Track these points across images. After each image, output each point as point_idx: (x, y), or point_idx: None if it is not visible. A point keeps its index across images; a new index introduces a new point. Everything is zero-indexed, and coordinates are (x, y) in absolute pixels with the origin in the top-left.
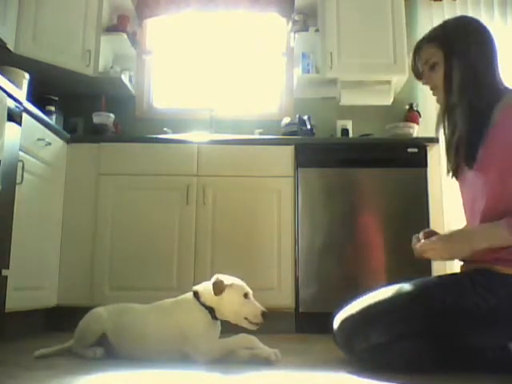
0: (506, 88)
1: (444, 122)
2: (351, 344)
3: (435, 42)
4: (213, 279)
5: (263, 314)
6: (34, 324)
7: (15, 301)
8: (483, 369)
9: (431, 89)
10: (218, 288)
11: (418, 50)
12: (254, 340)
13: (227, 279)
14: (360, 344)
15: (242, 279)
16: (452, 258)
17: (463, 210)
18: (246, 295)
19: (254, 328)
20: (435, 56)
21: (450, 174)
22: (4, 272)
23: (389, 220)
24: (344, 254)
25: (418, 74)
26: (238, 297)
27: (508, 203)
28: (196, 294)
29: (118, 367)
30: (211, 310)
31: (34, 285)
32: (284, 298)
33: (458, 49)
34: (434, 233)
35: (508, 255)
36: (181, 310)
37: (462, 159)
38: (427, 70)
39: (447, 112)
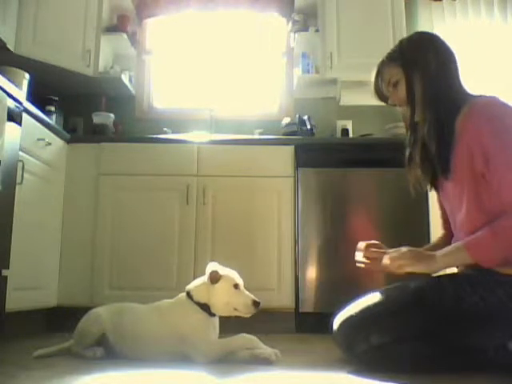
0: (467, 95)
1: (412, 138)
2: (351, 345)
3: (394, 61)
4: (208, 269)
5: (254, 304)
6: (33, 324)
7: (15, 301)
8: (483, 369)
9: (399, 106)
10: (214, 277)
11: (379, 72)
12: (254, 340)
13: (221, 269)
14: (360, 345)
15: (243, 279)
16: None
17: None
18: (236, 286)
19: (247, 316)
20: (396, 74)
21: (428, 187)
22: (4, 272)
23: (389, 220)
24: (344, 253)
25: (381, 97)
26: (228, 288)
27: (483, 214)
28: (189, 294)
29: (117, 367)
30: (206, 307)
31: (34, 285)
32: (284, 298)
33: (415, 64)
34: (377, 245)
35: (509, 258)
36: (176, 310)
37: (438, 172)
38: (391, 90)
39: (413, 128)
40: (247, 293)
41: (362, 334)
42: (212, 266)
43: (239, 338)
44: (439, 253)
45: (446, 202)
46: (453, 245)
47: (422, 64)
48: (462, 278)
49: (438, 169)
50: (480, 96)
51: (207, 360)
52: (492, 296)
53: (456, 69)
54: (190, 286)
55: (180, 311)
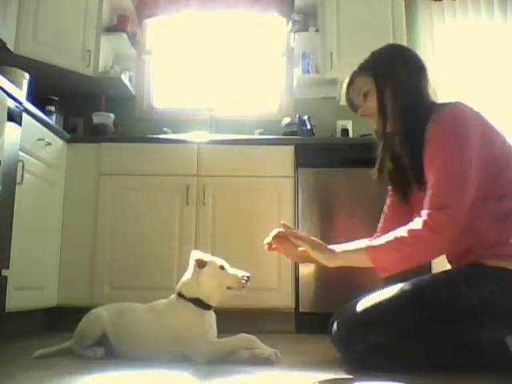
0: (435, 104)
1: (382, 149)
2: (349, 345)
3: (366, 71)
4: (191, 258)
5: (244, 277)
6: (34, 324)
7: (15, 301)
8: (483, 369)
9: (369, 117)
10: (201, 263)
11: (351, 82)
12: (254, 340)
13: (204, 256)
14: (358, 345)
15: None
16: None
17: None
18: (222, 267)
19: (241, 291)
20: (367, 84)
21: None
22: (4, 272)
23: None
24: None
25: (353, 106)
26: (215, 271)
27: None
28: (180, 293)
29: (117, 367)
30: (199, 302)
31: (34, 285)
32: (284, 298)
33: (386, 75)
34: (284, 234)
35: (497, 250)
36: (171, 310)
37: (412, 183)
38: (362, 100)
39: (384, 139)
40: (235, 269)
41: (360, 334)
42: (195, 255)
43: (239, 337)
44: (341, 248)
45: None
46: (357, 244)
47: (392, 76)
48: (457, 275)
49: (411, 180)
50: (446, 104)
51: (206, 360)
52: (485, 290)
53: (426, 81)
54: (179, 285)
55: (174, 310)
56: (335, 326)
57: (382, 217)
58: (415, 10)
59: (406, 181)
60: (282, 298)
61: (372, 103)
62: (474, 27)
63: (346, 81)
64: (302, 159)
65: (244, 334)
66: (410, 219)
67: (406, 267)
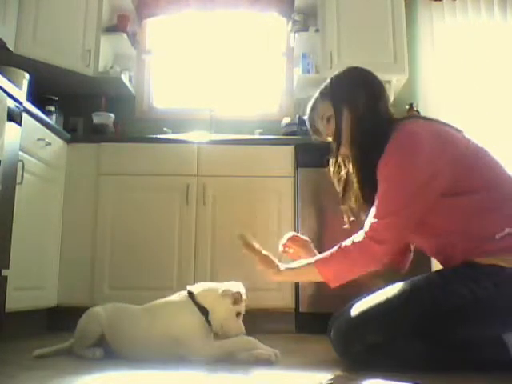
0: (393, 124)
1: (338, 173)
2: (348, 346)
3: (325, 97)
4: (230, 284)
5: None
6: (34, 324)
7: (15, 301)
8: (483, 369)
9: (333, 141)
10: (238, 299)
11: (313, 108)
12: (253, 342)
13: (242, 291)
14: (356, 346)
15: (243, 279)
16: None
17: None
18: (238, 314)
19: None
20: (329, 110)
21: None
22: (4, 272)
23: None
24: None
25: (316, 132)
26: (232, 312)
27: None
28: (191, 295)
29: (117, 367)
30: (205, 312)
31: (34, 285)
32: (284, 298)
33: (343, 101)
34: (299, 239)
35: (485, 246)
36: (172, 311)
37: (364, 204)
38: (325, 125)
39: (338, 164)
40: (241, 324)
41: (358, 335)
42: (235, 285)
43: (239, 339)
44: (290, 265)
45: None
46: (304, 260)
47: (350, 100)
48: (450, 274)
49: (362, 201)
50: (400, 122)
51: (205, 361)
52: (479, 288)
53: (385, 102)
54: (195, 288)
55: (175, 310)
56: (333, 327)
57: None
58: (415, 10)
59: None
60: (281, 298)
61: (333, 128)
62: (474, 27)
63: (309, 106)
64: (302, 159)
65: (244, 336)
66: None
67: (353, 276)
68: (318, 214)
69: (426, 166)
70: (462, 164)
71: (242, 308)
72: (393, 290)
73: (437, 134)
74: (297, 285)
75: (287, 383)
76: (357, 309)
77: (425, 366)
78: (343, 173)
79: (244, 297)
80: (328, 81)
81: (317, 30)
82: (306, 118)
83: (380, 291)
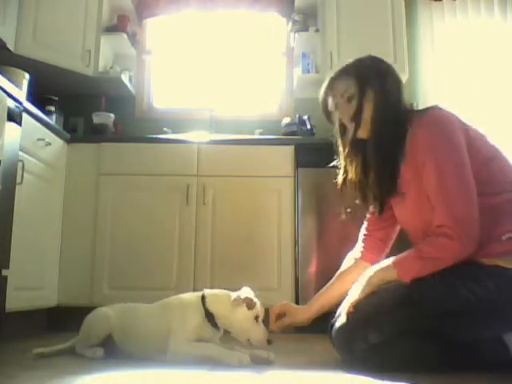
0: (412, 113)
1: (350, 157)
2: (350, 345)
3: (350, 75)
4: (242, 292)
5: (268, 341)
6: (34, 324)
7: (15, 301)
8: (483, 369)
9: (348, 121)
10: (251, 304)
11: (332, 83)
12: (226, 356)
13: (254, 296)
14: (359, 345)
15: (242, 279)
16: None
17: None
18: (257, 318)
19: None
20: (351, 88)
21: (372, 209)
22: (4, 272)
23: None
24: (344, 254)
25: (327, 110)
26: (250, 317)
27: (426, 227)
28: (203, 298)
29: (118, 367)
30: (211, 317)
31: (34, 285)
32: (284, 298)
33: (372, 81)
34: (286, 307)
35: (490, 248)
36: (179, 308)
37: (383, 192)
38: (343, 103)
39: (354, 146)
40: (263, 326)
41: (360, 334)
42: (247, 291)
43: (212, 348)
44: (369, 273)
45: (399, 214)
46: (381, 266)
47: (378, 83)
48: (453, 274)
49: (382, 189)
50: (423, 111)
51: (171, 357)
52: (481, 289)
53: (403, 94)
54: (210, 296)
55: (182, 308)
56: (335, 326)
57: (363, 237)
58: (415, 10)
59: (376, 191)
60: (281, 298)
61: (355, 108)
62: (474, 27)
63: (325, 84)
64: (302, 159)
65: (215, 346)
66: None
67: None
68: (317, 213)
69: (465, 151)
70: (480, 163)
71: (258, 311)
72: (394, 289)
73: (464, 126)
74: (297, 285)
75: (287, 383)
76: (359, 307)
77: (426, 365)
78: (355, 161)
79: (255, 300)
80: (351, 61)
81: (317, 30)
82: (320, 95)
83: (381, 290)
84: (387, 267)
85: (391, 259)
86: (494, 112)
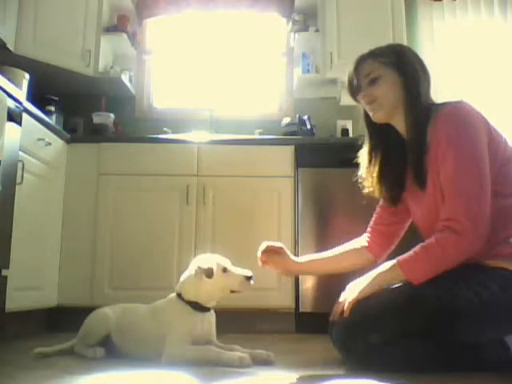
0: (434, 106)
1: (373, 142)
2: (350, 345)
3: (384, 58)
4: (194, 263)
5: (248, 278)
6: (34, 324)
7: (15, 301)
8: (482, 367)
9: (368, 103)
10: (210, 274)
11: (360, 63)
12: (220, 356)
13: (208, 262)
14: (359, 345)
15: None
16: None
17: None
18: (224, 270)
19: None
20: (378, 70)
21: (384, 200)
22: (4, 272)
23: None
24: None
25: (352, 87)
26: (219, 276)
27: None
28: (179, 294)
29: (117, 367)
30: (197, 305)
31: (34, 285)
32: (284, 298)
33: (406, 68)
34: (273, 248)
35: (496, 250)
36: (167, 310)
37: (415, 181)
38: (367, 84)
39: (378, 131)
40: (237, 270)
41: (360, 334)
42: (200, 261)
43: (206, 349)
44: (377, 271)
45: (416, 209)
46: (386, 267)
47: (411, 70)
48: (456, 275)
49: (417, 177)
50: (446, 103)
51: (168, 360)
52: (485, 291)
53: (429, 85)
54: (179, 286)
55: (169, 310)
56: (335, 326)
57: (369, 229)
58: (415, 10)
59: (395, 181)
60: (282, 298)
61: (379, 90)
62: (474, 26)
63: (356, 58)
64: (302, 159)
65: (213, 348)
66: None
67: (436, 273)
68: (317, 213)
69: (485, 149)
70: (498, 163)
71: (221, 266)
72: (396, 289)
73: (486, 123)
74: (297, 285)
75: (287, 383)
76: (359, 307)
77: (427, 366)
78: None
79: (209, 266)
80: (385, 46)
81: (317, 30)
82: (347, 76)
83: (382, 290)
84: (391, 268)
85: (395, 260)
86: (494, 111)
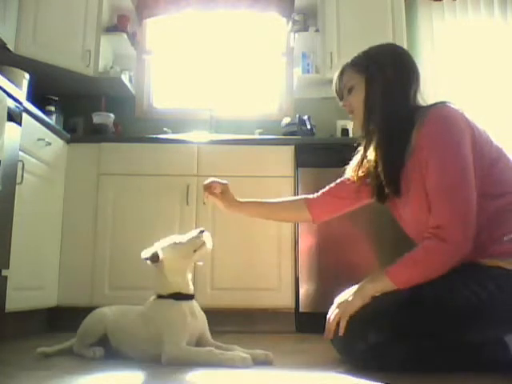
0: (420, 108)
1: (365, 150)
2: (349, 345)
3: (357, 66)
4: (143, 255)
5: (200, 232)
6: (34, 324)
7: (15, 301)
8: (482, 367)
9: (349, 113)
10: (154, 258)
11: (341, 73)
12: (221, 358)
13: (158, 246)
14: (358, 345)
15: (242, 279)
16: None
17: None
18: (175, 244)
19: (209, 249)
20: (353, 80)
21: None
22: (4, 272)
23: (389, 220)
24: (344, 254)
25: (340, 96)
26: (172, 252)
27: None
28: (158, 294)
29: (117, 367)
30: (178, 295)
31: (34, 285)
32: (284, 298)
33: (378, 74)
34: (218, 185)
35: (492, 249)
36: (154, 310)
37: (387, 189)
38: (346, 94)
39: (366, 139)
40: (187, 235)
41: (360, 334)
42: (144, 253)
43: (207, 351)
44: (365, 283)
45: (396, 213)
46: (375, 276)
47: (381, 73)
48: (454, 274)
49: (386, 186)
50: (431, 106)
51: (168, 362)
52: (483, 290)
53: (416, 86)
54: (154, 285)
55: (157, 310)
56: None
57: (322, 191)
58: (415, 10)
59: (383, 186)
60: (282, 297)
61: (354, 99)
62: (474, 26)
63: (338, 71)
64: (302, 159)
65: (213, 349)
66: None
67: (425, 281)
68: None
69: (469, 151)
70: (485, 163)
71: (166, 242)
72: (395, 290)
73: (470, 124)
74: (297, 285)
75: (287, 383)
76: (359, 308)
77: (426, 366)
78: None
79: (155, 251)
80: (365, 51)
81: (317, 30)
82: (334, 79)
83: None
84: (380, 277)
85: (383, 270)
86: (493, 112)
